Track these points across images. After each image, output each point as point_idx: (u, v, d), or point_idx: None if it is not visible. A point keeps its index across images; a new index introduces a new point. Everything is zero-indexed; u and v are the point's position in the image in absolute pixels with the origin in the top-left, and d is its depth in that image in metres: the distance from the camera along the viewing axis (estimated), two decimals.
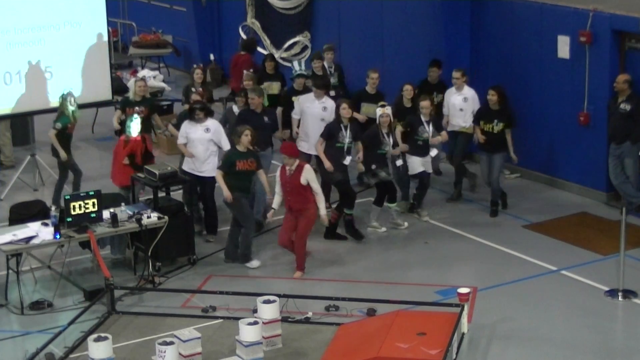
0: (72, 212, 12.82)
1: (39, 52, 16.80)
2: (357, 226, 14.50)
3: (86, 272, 13.62)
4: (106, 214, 13.10)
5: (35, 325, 12.23)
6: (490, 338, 11.64)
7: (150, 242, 13.14)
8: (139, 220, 13.15)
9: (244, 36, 21.49)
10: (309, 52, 17.62)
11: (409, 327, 11.22)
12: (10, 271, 12.70)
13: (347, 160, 14.36)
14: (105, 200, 13.36)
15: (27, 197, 15.59)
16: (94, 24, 17.29)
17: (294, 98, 15.72)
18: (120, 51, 23.88)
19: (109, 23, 17.87)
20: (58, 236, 12.71)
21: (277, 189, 13.24)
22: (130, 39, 23.63)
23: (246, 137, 13.41)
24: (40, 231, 12.85)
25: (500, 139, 15.04)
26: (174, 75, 23.26)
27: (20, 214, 13.78)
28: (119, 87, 18.96)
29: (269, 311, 11.41)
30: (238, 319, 11.32)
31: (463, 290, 11.68)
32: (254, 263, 13.64)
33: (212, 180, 14.18)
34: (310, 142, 15.06)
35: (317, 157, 14.72)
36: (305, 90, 15.72)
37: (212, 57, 22.69)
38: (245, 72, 16.57)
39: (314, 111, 15.11)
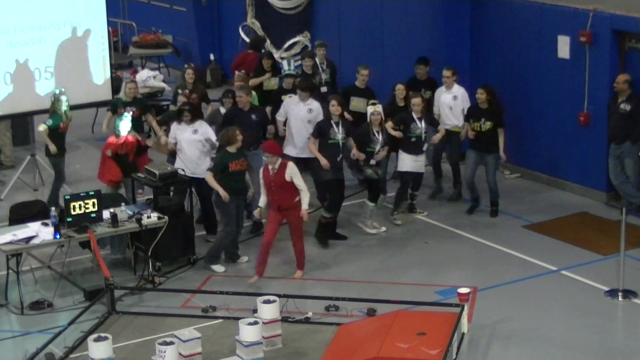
0: (72, 212, 12.81)
1: (39, 52, 16.80)
2: (338, 230, 14.46)
3: (86, 272, 13.62)
4: (106, 214, 13.10)
5: (35, 325, 12.23)
6: (490, 338, 11.64)
7: (150, 242, 13.14)
8: (139, 220, 13.15)
9: (244, 36, 21.50)
10: (325, 53, 17.65)
11: (409, 327, 11.22)
12: (10, 271, 12.69)
13: (340, 157, 14.23)
14: (105, 200, 13.36)
15: (27, 197, 15.59)
16: (94, 24, 17.28)
17: (283, 97, 15.72)
18: (120, 51, 23.88)
19: (109, 23, 17.85)
20: (58, 236, 12.71)
21: (263, 198, 13.19)
22: (130, 39, 23.64)
23: (240, 138, 13.39)
24: (40, 231, 12.85)
25: (490, 138, 14.96)
26: (174, 75, 23.24)
27: (20, 214, 13.79)
28: (118, 87, 18.93)
29: (269, 311, 11.41)
30: (238, 319, 11.32)
31: (463, 290, 11.68)
32: (219, 268, 13.61)
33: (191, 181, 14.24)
34: (297, 145, 15.02)
35: (306, 160, 14.74)
36: (295, 89, 15.71)
37: (212, 57, 22.70)
38: (236, 72, 16.55)
39: (299, 114, 15.02)
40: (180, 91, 16.19)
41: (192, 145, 14.24)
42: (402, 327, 11.23)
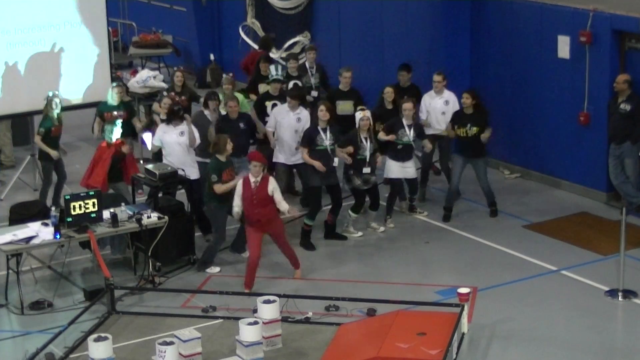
0: (72, 212, 12.82)
1: (39, 52, 16.80)
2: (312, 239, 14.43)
3: (86, 272, 13.63)
4: (106, 214, 13.10)
5: (35, 325, 12.23)
6: (490, 338, 11.64)
7: (150, 242, 13.14)
8: (139, 220, 13.15)
9: (244, 36, 21.50)
10: (316, 56, 17.64)
11: (409, 327, 11.22)
12: (10, 271, 12.70)
13: (336, 162, 14.23)
14: (105, 200, 13.36)
15: (27, 197, 15.61)
16: (94, 24, 17.28)
17: (267, 103, 15.66)
18: (120, 51, 23.86)
19: (109, 23, 17.85)
20: (58, 236, 12.72)
21: (237, 201, 12.89)
22: (130, 39, 23.61)
23: (230, 146, 13.32)
24: (40, 231, 12.85)
25: (477, 143, 14.87)
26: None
27: (20, 214, 13.80)
28: None
29: (269, 311, 11.41)
30: (238, 319, 11.32)
31: (463, 290, 11.68)
32: (214, 269, 13.61)
33: (197, 182, 14.21)
34: (285, 152, 14.98)
35: (297, 166, 14.78)
36: (281, 95, 15.65)
37: (212, 57, 22.69)
38: (224, 75, 16.53)
39: (289, 122, 14.94)
40: (165, 93, 16.19)
41: (179, 147, 14.25)
42: (402, 327, 11.23)
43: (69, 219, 12.81)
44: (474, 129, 14.80)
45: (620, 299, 12.53)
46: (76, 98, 16.80)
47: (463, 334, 11.49)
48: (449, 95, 15.64)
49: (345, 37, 19.50)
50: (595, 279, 13.04)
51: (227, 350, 11.33)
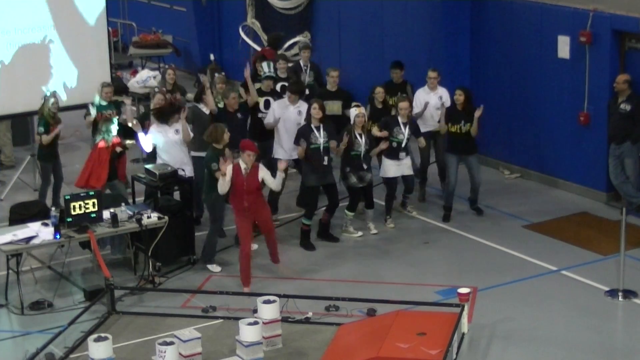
0: (72, 212, 12.81)
1: (39, 52, 16.79)
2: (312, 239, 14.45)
3: (86, 272, 13.63)
4: (106, 214, 13.10)
5: (35, 325, 12.23)
6: (490, 338, 11.64)
7: (150, 242, 13.14)
8: (139, 221, 13.15)
9: (244, 36, 21.50)
10: (311, 55, 17.64)
11: (409, 327, 11.22)
12: (10, 271, 12.70)
13: (326, 161, 14.20)
14: (105, 200, 13.36)
15: (27, 197, 15.61)
16: (94, 24, 17.27)
17: (259, 99, 15.65)
18: (120, 51, 23.87)
19: (109, 23, 17.86)
20: (58, 236, 12.71)
21: (223, 181, 12.76)
22: (130, 39, 23.62)
23: (227, 136, 13.34)
24: (41, 231, 12.85)
25: (469, 140, 14.88)
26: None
27: (21, 214, 13.79)
28: (119, 87, 18.94)
29: (269, 311, 11.41)
30: (238, 319, 11.32)
31: (463, 290, 11.68)
32: (215, 268, 13.62)
33: (191, 179, 14.23)
34: (285, 147, 14.97)
35: (297, 160, 14.81)
36: (273, 92, 15.66)
37: (212, 57, 22.68)
38: (217, 75, 16.58)
39: (290, 116, 14.93)
40: (157, 89, 16.20)
41: (175, 146, 14.26)
42: (402, 327, 11.22)
43: (69, 219, 12.81)
44: (468, 126, 14.81)
45: (620, 299, 12.53)
46: (76, 98, 16.78)
47: (463, 334, 11.49)
48: (442, 91, 15.68)
49: (345, 37, 19.50)
50: (595, 279, 13.04)
51: (227, 351, 11.33)
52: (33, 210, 13.86)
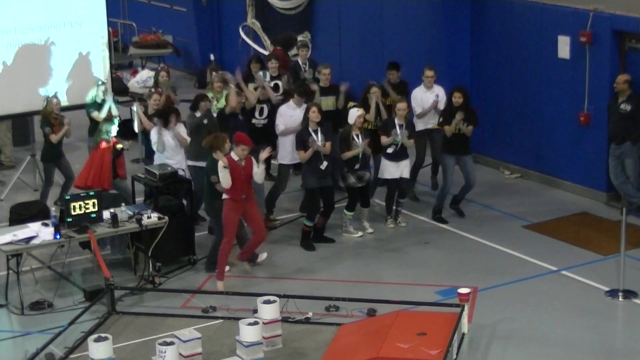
0: (72, 213, 12.82)
1: (39, 52, 16.79)
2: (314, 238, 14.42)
3: (86, 272, 13.63)
4: (106, 214, 13.11)
5: (35, 325, 12.23)
6: (490, 338, 11.64)
7: (150, 242, 13.14)
8: (139, 221, 13.15)
9: (244, 36, 21.50)
10: (309, 53, 17.64)
11: (409, 327, 11.22)
12: (10, 271, 12.70)
13: (324, 165, 14.18)
14: (105, 201, 13.36)
15: (27, 197, 15.61)
16: (94, 24, 17.28)
17: (257, 105, 15.65)
18: (121, 51, 23.87)
19: (109, 23, 17.85)
20: (58, 236, 12.72)
21: (225, 172, 12.80)
22: (130, 39, 23.63)
23: (227, 146, 13.11)
24: (41, 231, 12.85)
25: (465, 139, 14.87)
26: (174, 75, 23.12)
27: (21, 214, 13.80)
28: (118, 87, 18.96)
29: (269, 311, 11.41)
30: (238, 319, 11.32)
31: (463, 290, 11.68)
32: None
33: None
34: (292, 152, 14.82)
35: (298, 164, 14.82)
36: (269, 100, 15.64)
37: (212, 57, 22.68)
38: (214, 74, 16.56)
39: (297, 120, 14.86)
40: (152, 90, 16.21)
41: (176, 149, 14.27)
42: (402, 327, 11.22)
43: (69, 219, 12.81)
44: (465, 126, 14.78)
45: (620, 299, 12.53)
46: (76, 98, 16.76)
47: (463, 334, 11.49)
48: (438, 89, 15.68)
49: (345, 37, 19.50)
50: (595, 279, 13.04)
51: (227, 351, 11.33)
52: (33, 211, 13.87)
